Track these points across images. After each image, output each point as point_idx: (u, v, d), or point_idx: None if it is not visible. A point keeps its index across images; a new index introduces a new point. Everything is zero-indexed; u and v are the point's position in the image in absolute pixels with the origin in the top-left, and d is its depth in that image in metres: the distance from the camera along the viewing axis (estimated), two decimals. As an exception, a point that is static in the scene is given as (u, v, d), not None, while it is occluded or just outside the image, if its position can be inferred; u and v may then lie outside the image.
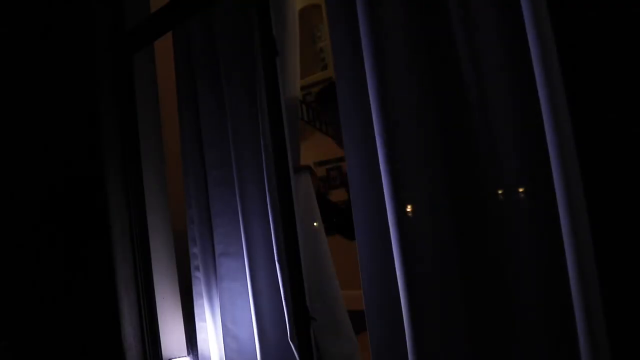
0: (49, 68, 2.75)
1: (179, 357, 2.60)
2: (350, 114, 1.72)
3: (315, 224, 2.18)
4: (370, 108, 1.61)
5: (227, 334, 2.27)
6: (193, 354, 2.57)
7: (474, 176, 1.50)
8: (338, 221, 2.41)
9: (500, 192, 1.46)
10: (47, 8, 2.77)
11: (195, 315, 2.48)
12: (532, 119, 1.35)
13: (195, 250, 2.45)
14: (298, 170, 2.15)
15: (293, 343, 1.97)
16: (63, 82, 2.76)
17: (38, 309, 2.63)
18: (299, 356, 1.96)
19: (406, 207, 1.54)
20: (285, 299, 2.00)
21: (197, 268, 2.45)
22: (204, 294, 2.41)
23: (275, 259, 2.01)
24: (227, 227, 2.29)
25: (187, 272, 2.53)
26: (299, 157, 2.22)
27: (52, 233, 2.69)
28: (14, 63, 2.73)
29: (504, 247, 1.45)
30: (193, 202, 2.43)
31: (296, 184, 2.05)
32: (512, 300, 1.43)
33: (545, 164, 1.31)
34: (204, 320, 2.44)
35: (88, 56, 2.75)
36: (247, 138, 2.19)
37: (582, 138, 1.25)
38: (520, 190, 1.42)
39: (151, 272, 2.62)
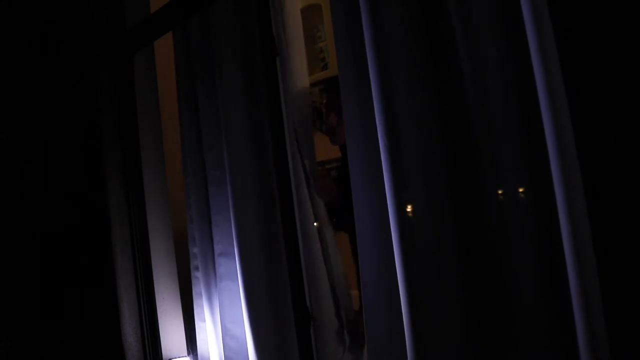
0: (49, 68, 2.75)
1: (179, 357, 2.60)
2: (353, 114, 1.72)
3: (315, 223, 2.17)
4: (372, 108, 1.61)
5: (227, 334, 2.27)
6: (193, 354, 2.57)
7: (474, 176, 1.50)
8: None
9: (500, 192, 1.46)
10: (47, 8, 2.77)
11: (195, 315, 2.48)
12: (532, 119, 1.35)
13: (195, 250, 2.45)
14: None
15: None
16: (63, 82, 2.76)
17: (38, 310, 2.62)
18: (300, 356, 1.96)
19: (407, 207, 1.54)
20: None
21: (197, 268, 2.45)
22: (204, 294, 2.41)
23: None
24: (226, 226, 2.29)
25: (187, 272, 2.53)
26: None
27: (53, 234, 2.69)
28: (15, 63, 2.73)
29: (504, 247, 1.44)
30: (193, 202, 2.43)
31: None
32: (512, 300, 1.43)
33: (546, 164, 1.31)
34: (204, 320, 2.44)
35: (88, 56, 2.75)
36: (242, 138, 2.19)
37: (582, 138, 1.24)
38: (520, 190, 1.42)
39: (151, 272, 2.62)
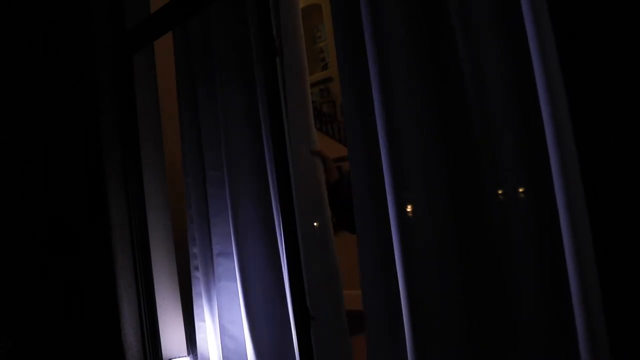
0: (49, 68, 2.75)
1: (179, 357, 2.60)
2: (353, 114, 1.73)
3: (315, 224, 2.17)
4: (372, 108, 1.61)
5: (225, 334, 2.27)
6: (193, 354, 2.57)
7: (474, 176, 1.50)
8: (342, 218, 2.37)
9: (500, 192, 1.46)
10: (47, 8, 2.77)
11: (195, 315, 2.48)
12: (532, 119, 1.35)
13: (195, 250, 2.45)
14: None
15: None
16: (63, 81, 2.76)
17: (39, 310, 2.63)
18: (299, 356, 1.96)
19: (407, 207, 1.54)
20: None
21: (197, 268, 2.45)
22: (203, 294, 2.41)
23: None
24: (225, 226, 2.29)
25: (187, 272, 2.53)
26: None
27: (52, 234, 2.69)
28: (15, 63, 2.73)
29: (504, 247, 1.45)
30: (193, 202, 2.43)
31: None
32: (512, 300, 1.43)
33: (546, 164, 1.31)
34: (204, 320, 2.44)
35: (88, 56, 2.75)
36: (241, 138, 2.19)
37: (582, 138, 1.24)
38: (520, 190, 1.42)
39: (151, 272, 2.62)
